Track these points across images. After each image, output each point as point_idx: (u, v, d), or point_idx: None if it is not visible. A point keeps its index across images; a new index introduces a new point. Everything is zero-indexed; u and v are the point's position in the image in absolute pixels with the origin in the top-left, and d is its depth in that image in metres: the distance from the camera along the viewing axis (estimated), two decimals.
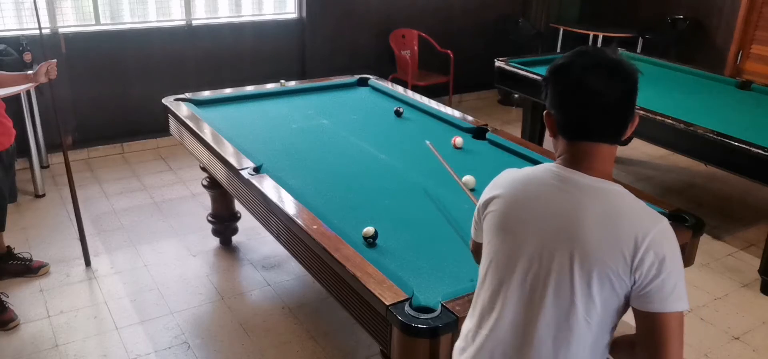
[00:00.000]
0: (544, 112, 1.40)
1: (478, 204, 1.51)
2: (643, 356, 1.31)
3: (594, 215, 1.29)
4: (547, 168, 1.39)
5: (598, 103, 1.30)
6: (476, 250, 1.59)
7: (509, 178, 1.44)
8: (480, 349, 1.42)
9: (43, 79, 3.12)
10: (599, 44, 6.29)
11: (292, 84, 4.04)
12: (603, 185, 1.33)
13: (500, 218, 1.41)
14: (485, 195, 1.48)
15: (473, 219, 1.56)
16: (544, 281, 1.32)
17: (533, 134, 5.01)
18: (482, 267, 1.46)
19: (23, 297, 3.23)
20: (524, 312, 1.35)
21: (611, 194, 1.32)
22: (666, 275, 1.26)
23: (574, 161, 1.35)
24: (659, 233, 1.27)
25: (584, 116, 1.32)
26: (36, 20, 3.43)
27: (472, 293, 1.74)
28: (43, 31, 3.45)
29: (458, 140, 3.11)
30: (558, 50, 6.81)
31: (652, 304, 1.27)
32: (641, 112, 3.84)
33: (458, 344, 1.52)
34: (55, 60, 3.17)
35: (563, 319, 1.31)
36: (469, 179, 2.62)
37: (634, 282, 1.27)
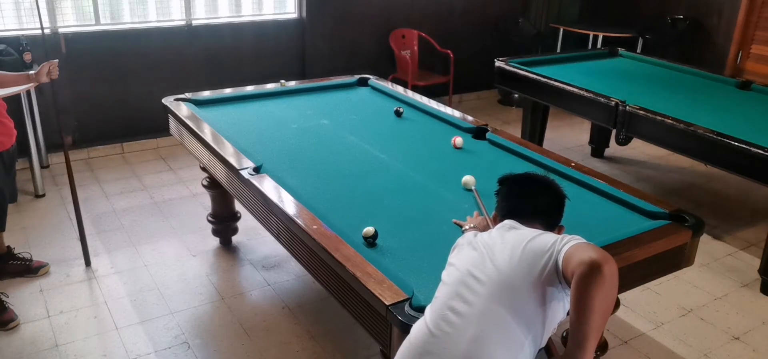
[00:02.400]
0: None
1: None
2: None
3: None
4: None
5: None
6: None
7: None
8: None
9: (44, 80, 3.12)
10: (599, 44, 6.29)
11: (292, 84, 4.04)
12: None
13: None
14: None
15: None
16: None
17: (533, 134, 5.02)
18: None
19: (23, 297, 3.23)
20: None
21: None
22: None
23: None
24: None
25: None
26: (37, 20, 3.43)
27: None
28: (44, 31, 3.44)
29: (458, 140, 3.11)
30: (558, 50, 6.81)
31: None
32: (641, 112, 3.84)
33: None
34: (56, 60, 3.17)
35: None
36: (468, 178, 2.63)
37: None
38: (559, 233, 1.72)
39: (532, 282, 1.52)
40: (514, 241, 1.63)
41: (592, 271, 1.40)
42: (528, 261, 1.55)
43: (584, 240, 1.54)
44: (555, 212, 1.80)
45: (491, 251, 1.63)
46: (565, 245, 1.52)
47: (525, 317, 1.51)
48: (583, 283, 1.40)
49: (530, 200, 1.80)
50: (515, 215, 1.76)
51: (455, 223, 2.26)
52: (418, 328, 1.62)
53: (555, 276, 1.51)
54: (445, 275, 1.70)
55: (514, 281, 1.54)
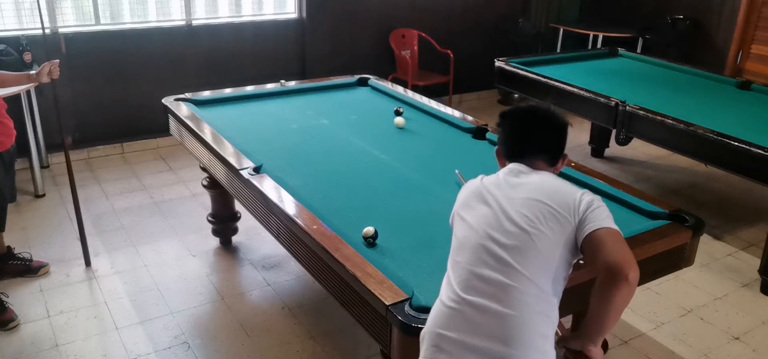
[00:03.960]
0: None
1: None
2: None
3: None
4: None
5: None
6: None
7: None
8: None
9: (45, 80, 3.12)
10: (599, 44, 6.29)
11: (292, 84, 4.03)
12: None
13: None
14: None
15: None
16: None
17: None
18: None
19: (23, 297, 3.23)
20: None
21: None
22: None
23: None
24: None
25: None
26: (37, 20, 3.43)
27: None
28: (44, 31, 3.44)
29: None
30: (558, 50, 6.80)
31: None
32: (641, 112, 3.84)
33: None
34: (57, 60, 3.17)
35: None
36: (399, 120, 3.08)
37: None
38: (563, 163, 1.83)
39: (555, 245, 1.57)
40: (528, 198, 1.63)
41: (618, 279, 1.47)
42: (550, 227, 1.57)
43: (607, 212, 1.61)
44: (558, 146, 1.81)
45: (505, 210, 1.62)
46: (592, 224, 1.56)
47: (551, 276, 1.56)
48: (609, 289, 1.49)
49: (534, 138, 1.80)
50: (519, 156, 1.78)
51: (458, 174, 2.29)
52: (447, 292, 1.61)
53: (574, 243, 1.59)
54: (457, 228, 1.73)
55: (537, 244, 1.56)
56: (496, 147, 1.91)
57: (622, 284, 1.47)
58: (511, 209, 1.62)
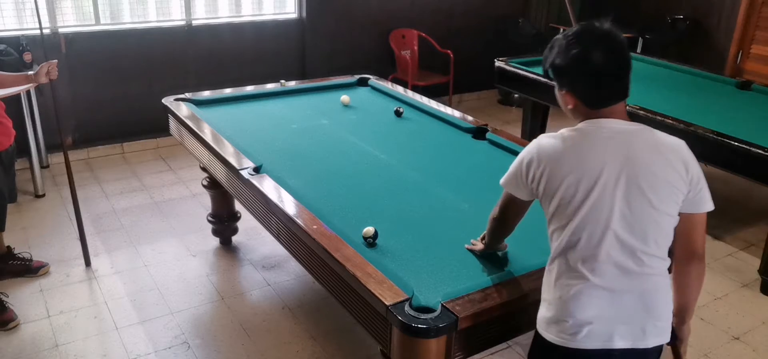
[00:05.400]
0: (562, 92, 1.63)
1: (524, 169, 1.66)
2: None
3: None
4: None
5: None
6: (511, 207, 1.80)
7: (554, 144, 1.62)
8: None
9: (43, 80, 3.12)
10: None
11: (292, 84, 4.03)
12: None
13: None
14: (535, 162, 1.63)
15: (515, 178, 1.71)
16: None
17: (533, 134, 5.01)
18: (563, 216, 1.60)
19: (23, 297, 3.23)
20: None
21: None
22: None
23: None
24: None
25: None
26: (36, 20, 3.43)
27: (472, 293, 1.83)
28: (44, 31, 3.44)
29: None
30: None
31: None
32: (641, 112, 3.84)
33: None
34: (55, 60, 3.17)
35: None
36: (344, 97, 3.25)
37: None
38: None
39: (673, 221, 1.60)
40: (639, 177, 1.52)
41: (702, 263, 1.68)
42: (667, 211, 1.56)
43: (709, 193, 1.63)
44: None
45: (612, 192, 1.52)
46: (700, 207, 1.61)
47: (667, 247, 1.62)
48: (699, 275, 1.68)
49: (622, 79, 1.57)
50: (606, 102, 1.57)
51: (471, 249, 2.11)
52: (575, 278, 1.58)
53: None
54: (557, 217, 1.59)
55: (659, 223, 1.56)
56: (564, 91, 1.62)
57: (702, 267, 1.67)
58: (632, 197, 1.57)
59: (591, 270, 1.56)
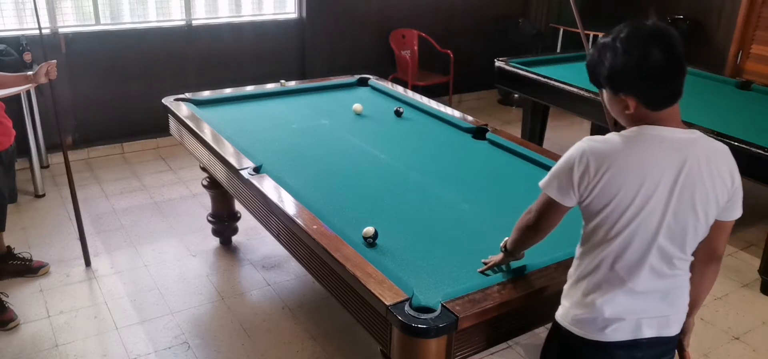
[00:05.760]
0: (619, 96, 1.54)
1: (576, 172, 1.55)
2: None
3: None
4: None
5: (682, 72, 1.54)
6: (551, 213, 1.65)
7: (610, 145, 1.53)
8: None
9: (43, 80, 3.12)
10: None
11: (292, 84, 4.03)
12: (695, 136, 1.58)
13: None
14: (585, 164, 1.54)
15: (560, 182, 1.58)
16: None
17: (533, 134, 5.02)
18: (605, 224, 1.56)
19: (23, 297, 3.23)
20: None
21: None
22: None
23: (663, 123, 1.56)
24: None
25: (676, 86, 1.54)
26: (36, 20, 3.43)
27: (472, 293, 1.82)
28: (43, 31, 3.44)
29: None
30: (558, 50, 6.80)
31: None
32: None
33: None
34: (55, 61, 3.17)
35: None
36: (357, 106, 3.13)
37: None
38: None
39: (708, 228, 1.61)
40: (691, 190, 1.50)
41: (718, 268, 1.78)
42: (708, 222, 1.58)
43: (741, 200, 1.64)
44: None
45: (665, 204, 1.50)
46: (732, 214, 1.62)
47: None
48: (714, 275, 1.77)
49: (681, 76, 1.54)
50: (667, 102, 1.54)
51: (484, 272, 2.01)
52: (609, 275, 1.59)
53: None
54: (605, 224, 1.54)
55: (697, 231, 1.58)
56: (621, 97, 1.54)
57: (718, 267, 1.76)
58: (681, 211, 1.57)
59: (631, 278, 1.57)
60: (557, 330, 1.71)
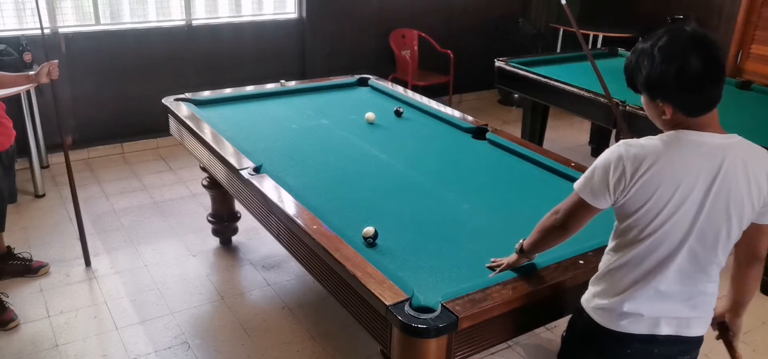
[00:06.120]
0: (657, 102, 1.56)
1: (612, 175, 1.57)
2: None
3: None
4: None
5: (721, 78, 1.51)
6: (583, 214, 1.67)
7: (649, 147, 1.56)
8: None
9: (44, 80, 3.12)
10: (599, 44, 6.29)
11: (292, 84, 4.03)
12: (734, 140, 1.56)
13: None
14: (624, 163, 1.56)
15: (597, 185, 1.61)
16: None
17: (533, 134, 5.02)
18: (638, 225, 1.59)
19: (23, 297, 3.23)
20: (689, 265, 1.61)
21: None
22: None
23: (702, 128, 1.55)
24: None
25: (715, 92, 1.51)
26: (37, 20, 3.43)
27: (472, 293, 1.82)
28: (44, 31, 3.44)
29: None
30: (558, 50, 6.80)
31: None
32: (641, 112, 3.83)
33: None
34: (56, 61, 3.17)
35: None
36: (369, 114, 3.08)
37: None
38: None
39: (741, 232, 1.63)
40: (726, 195, 1.52)
41: (761, 268, 1.79)
42: (742, 226, 1.60)
43: None
44: None
45: (699, 208, 1.53)
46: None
47: None
48: (758, 276, 1.82)
49: (720, 83, 1.50)
50: (706, 109, 1.52)
51: (495, 268, 2.01)
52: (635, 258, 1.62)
53: None
54: (638, 224, 1.57)
55: (730, 235, 1.59)
56: (660, 104, 1.56)
57: (761, 267, 1.78)
58: (714, 217, 1.59)
59: (656, 277, 1.61)
60: (581, 312, 1.77)
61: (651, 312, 1.64)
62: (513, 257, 1.94)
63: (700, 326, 1.71)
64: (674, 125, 1.56)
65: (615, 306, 1.66)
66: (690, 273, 1.62)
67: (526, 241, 1.88)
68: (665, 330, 1.66)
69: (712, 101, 1.51)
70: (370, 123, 3.39)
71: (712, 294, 1.70)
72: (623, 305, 1.64)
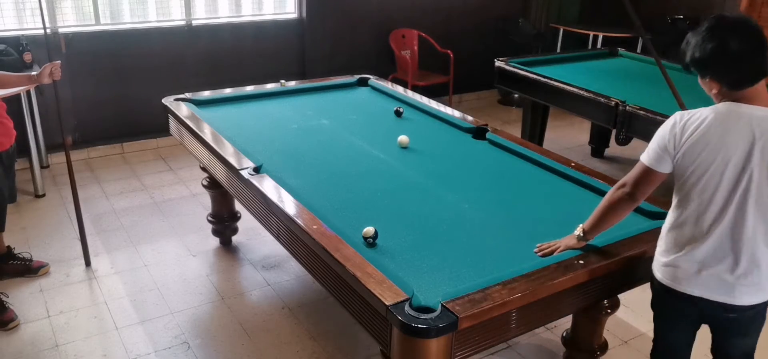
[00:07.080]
0: (705, 79, 1.81)
1: (668, 136, 1.83)
2: None
3: None
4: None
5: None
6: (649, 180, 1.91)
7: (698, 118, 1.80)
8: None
9: (46, 80, 3.12)
10: (599, 44, 6.29)
11: (292, 84, 4.04)
12: None
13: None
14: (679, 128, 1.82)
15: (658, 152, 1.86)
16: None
17: (533, 134, 5.02)
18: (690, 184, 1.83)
19: (23, 297, 3.23)
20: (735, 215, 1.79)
21: None
22: None
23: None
24: None
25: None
26: (37, 20, 3.43)
27: (472, 293, 1.82)
28: (46, 31, 3.44)
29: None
30: (558, 50, 6.80)
31: None
32: (641, 112, 3.84)
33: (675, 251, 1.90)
34: (59, 61, 3.17)
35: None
36: (403, 138, 3.00)
37: None
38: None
39: None
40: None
41: None
42: None
43: None
44: None
45: (743, 172, 1.73)
46: None
47: None
48: None
49: (759, 59, 1.73)
50: (748, 83, 1.74)
51: (543, 253, 2.07)
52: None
53: None
54: (690, 180, 1.80)
55: None
56: (709, 81, 1.80)
57: None
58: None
59: (708, 235, 1.80)
60: (653, 276, 1.99)
61: (706, 268, 1.81)
62: (573, 240, 2.05)
63: (750, 294, 1.83)
64: (722, 97, 1.78)
65: (675, 263, 1.86)
66: (738, 234, 1.77)
67: (585, 224, 2.03)
68: (715, 296, 1.82)
69: (752, 76, 1.73)
70: (403, 147, 3.04)
71: (762, 260, 1.80)
72: (680, 262, 1.84)
